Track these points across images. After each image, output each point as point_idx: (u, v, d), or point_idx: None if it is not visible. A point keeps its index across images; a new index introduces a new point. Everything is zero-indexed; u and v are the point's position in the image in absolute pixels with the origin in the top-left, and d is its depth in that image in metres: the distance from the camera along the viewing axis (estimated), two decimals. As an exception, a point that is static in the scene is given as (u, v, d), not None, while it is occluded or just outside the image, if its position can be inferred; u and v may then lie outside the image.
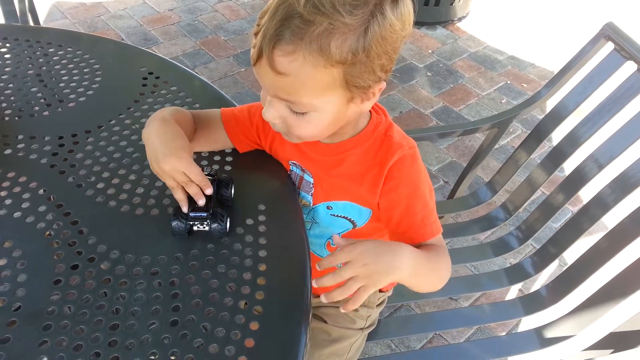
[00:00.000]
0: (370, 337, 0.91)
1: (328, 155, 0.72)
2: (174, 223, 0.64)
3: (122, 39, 2.45)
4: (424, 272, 0.63)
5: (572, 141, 1.02)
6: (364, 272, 0.56)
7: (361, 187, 0.71)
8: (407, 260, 0.59)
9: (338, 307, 0.86)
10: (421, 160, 0.70)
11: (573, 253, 0.98)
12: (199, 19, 2.66)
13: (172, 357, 0.53)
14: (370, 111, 0.72)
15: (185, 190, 0.66)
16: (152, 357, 0.53)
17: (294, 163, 0.76)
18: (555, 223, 1.61)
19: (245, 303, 0.59)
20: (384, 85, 0.62)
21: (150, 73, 0.96)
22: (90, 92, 0.91)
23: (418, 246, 0.65)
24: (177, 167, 0.63)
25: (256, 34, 0.57)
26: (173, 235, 0.65)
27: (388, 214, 0.70)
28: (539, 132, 1.11)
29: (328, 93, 0.58)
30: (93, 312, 0.56)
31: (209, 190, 0.66)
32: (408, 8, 0.58)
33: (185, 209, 0.66)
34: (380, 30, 0.55)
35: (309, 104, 0.59)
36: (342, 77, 0.57)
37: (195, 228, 0.65)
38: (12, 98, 0.88)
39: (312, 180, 0.75)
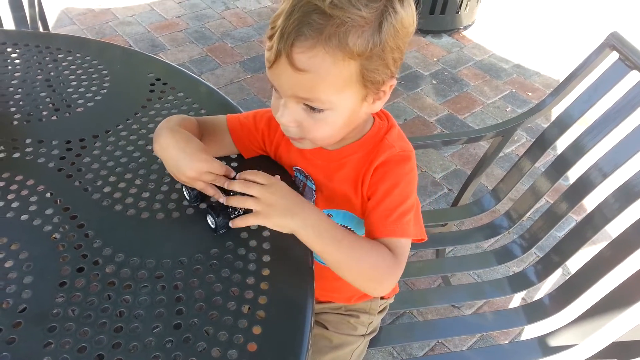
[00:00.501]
0: (372, 343, 0.91)
1: (331, 160, 0.72)
2: (219, 218, 0.65)
3: (130, 45, 2.48)
4: (329, 243, 0.61)
5: (577, 150, 1.02)
6: (267, 199, 0.61)
7: (356, 194, 0.71)
8: (309, 214, 0.62)
9: (340, 313, 0.88)
10: (413, 169, 0.70)
11: (576, 262, 0.98)
12: (206, 25, 2.69)
13: (175, 360, 0.53)
14: (374, 117, 0.72)
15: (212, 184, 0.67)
16: (155, 360, 0.53)
17: (297, 169, 0.76)
18: (559, 232, 1.61)
19: (249, 307, 0.59)
20: (394, 82, 0.64)
21: (158, 79, 0.98)
22: (98, 98, 0.92)
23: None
24: (201, 169, 0.65)
25: (270, 37, 0.59)
26: (215, 232, 0.67)
27: (364, 208, 0.70)
28: (544, 141, 1.11)
29: (345, 89, 0.59)
30: (97, 315, 0.57)
31: (233, 173, 0.68)
32: (412, 8, 0.60)
33: (223, 200, 0.66)
34: (393, 23, 0.57)
35: (328, 101, 0.60)
36: (358, 72, 0.58)
37: (232, 216, 0.66)
38: (21, 103, 0.90)
39: (314, 187, 0.75)
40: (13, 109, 0.88)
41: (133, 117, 0.88)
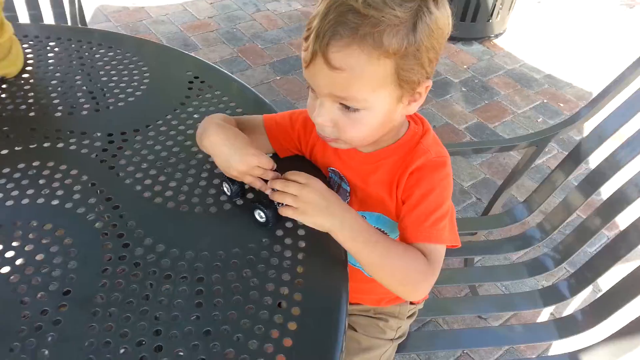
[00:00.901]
0: (399, 349, 0.90)
1: (366, 163, 0.73)
2: (268, 210, 0.66)
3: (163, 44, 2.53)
4: (364, 245, 0.62)
5: (612, 164, 1.00)
6: (305, 197, 0.63)
7: (391, 197, 0.71)
8: (345, 215, 0.63)
9: (370, 316, 0.88)
10: (449, 174, 0.69)
11: (610, 279, 0.96)
12: (237, 27, 2.73)
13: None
14: (409, 121, 0.73)
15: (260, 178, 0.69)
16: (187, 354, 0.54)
17: (332, 170, 0.77)
18: (591, 247, 1.57)
19: (281, 303, 0.60)
20: (430, 83, 0.64)
21: (196, 77, 1.00)
22: (138, 93, 0.94)
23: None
24: (251, 164, 0.67)
25: (306, 38, 0.60)
26: (263, 226, 0.68)
27: (398, 212, 0.70)
28: (578, 154, 1.09)
29: (381, 89, 0.60)
30: (139, 302, 0.58)
31: (274, 165, 0.70)
32: (447, 10, 0.61)
33: (269, 192, 0.68)
34: (428, 23, 0.58)
35: (363, 100, 0.60)
36: (394, 71, 0.59)
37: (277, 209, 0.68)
38: (64, 95, 0.93)
39: (348, 189, 0.76)
40: (56, 101, 0.92)
41: (172, 113, 0.90)
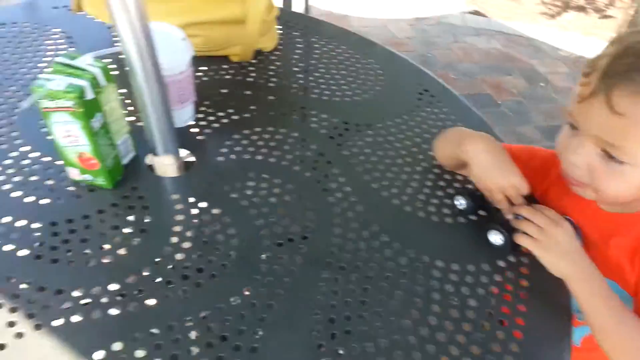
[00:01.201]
0: None
1: (610, 222, 0.67)
2: (507, 234, 0.65)
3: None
4: (600, 305, 0.59)
5: None
6: (552, 233, 0.62)
7: (632, 268, 0.65)
8: (588, 267, 0.61)
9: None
10: None
11: None
12: (432, 52, 2.77)
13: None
14: None
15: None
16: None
17: (567, 219, 0.73)
18: None
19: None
20: None
21: (426, 90, 1.03)
22: (372, 92, 1.01)
23: None
24: (511, 181, 0.67)
25: (587, 75, 0.59)
26: (498, 250, 0.67)
27: (637, 286, 0.64)
28: None
29: None
30: (360, 279, 0.62)
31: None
32: None
33: (511, 217, 0.67)
34: None
35: (633, 154, 0.57)
36: None
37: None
38: (306, 77, 1.03)
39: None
40: (301, 81, 1.02)
41: (401, 118, 0.94)
